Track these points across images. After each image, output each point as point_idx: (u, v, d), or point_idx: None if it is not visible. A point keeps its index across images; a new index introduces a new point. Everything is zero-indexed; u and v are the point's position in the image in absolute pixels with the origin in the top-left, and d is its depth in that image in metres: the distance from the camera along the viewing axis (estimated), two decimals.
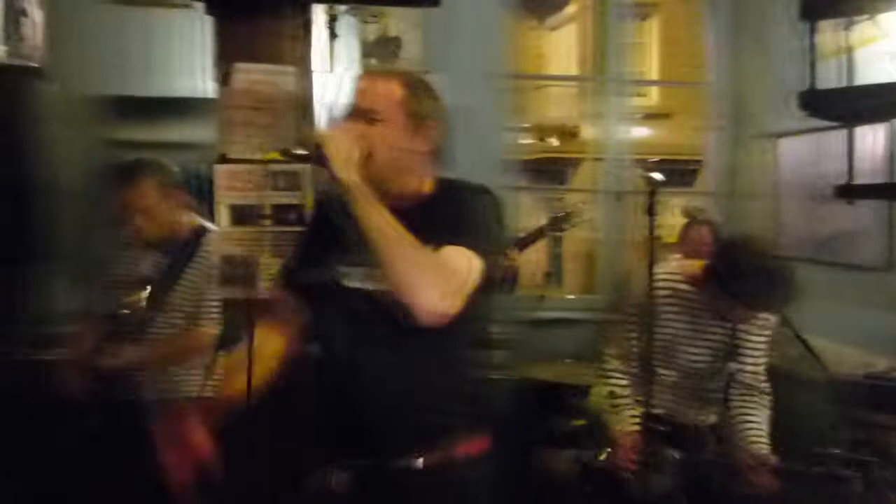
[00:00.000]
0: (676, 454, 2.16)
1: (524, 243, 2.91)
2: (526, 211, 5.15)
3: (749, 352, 2.31)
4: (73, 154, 3.52)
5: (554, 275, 10.70)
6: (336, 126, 1.48)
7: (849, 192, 3.00)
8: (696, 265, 2.31)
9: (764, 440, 2.23)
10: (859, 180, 3.01)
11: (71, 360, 2.52)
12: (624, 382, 2.36)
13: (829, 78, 2.03)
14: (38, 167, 1.62)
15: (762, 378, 2.34)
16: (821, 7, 2.70)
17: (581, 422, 2.84)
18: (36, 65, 2.60)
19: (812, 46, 2.00)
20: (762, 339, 2.32)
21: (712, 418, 2.39)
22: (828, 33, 2.84)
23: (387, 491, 1.54)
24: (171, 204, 2.46)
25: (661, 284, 2.26)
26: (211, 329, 2.36)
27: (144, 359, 2.40)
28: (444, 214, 1.48)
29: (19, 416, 2.76)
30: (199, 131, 3.10)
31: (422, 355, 1.53)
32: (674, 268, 2.38)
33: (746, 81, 3.94)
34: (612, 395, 2.38)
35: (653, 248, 1.45)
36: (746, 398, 2.31)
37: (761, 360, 2.34)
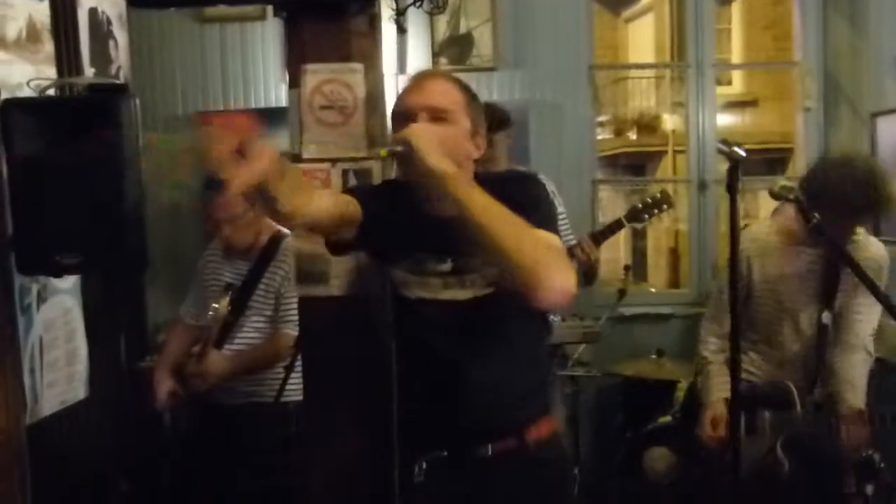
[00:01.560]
0: (771, 415, 2.14)
1: (601, 237, 2.81)
2: (608, 206, 5.04)
3: (856, 314, 2.25)
4: (161, 167, 3.68)
5: (638, 269, 10.42)
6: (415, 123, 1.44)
7: None
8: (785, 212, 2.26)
9: (861, 395, 2.18)
10: None
11: (164, 367, 2.62)
12: (715, 348, 2.35)
13: None
14: (129, 181, 1.68)
15: (866, 339, 2.27)
16: None
17: (667, 418, 2.75)
18: (122, 83, 2.72)
19: None
20: (869, 300, 2.20)
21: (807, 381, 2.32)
22: None
23: (466, 480, 1.54)
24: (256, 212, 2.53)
25: (753, 244, 2.25)
26: (291, 331, 2.40)
27: (233, 366, 2.46)
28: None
29: (121, 422, 2.88)
30: (278, 140, 3.18)
31: (505, 345, 1.52)
32: (762, 224, 2.32)
33: (839, 57, 3.73)
34: (704, 359, 2.37)
35: (735, 226, 1.37)
36: (847, 354, 2.25)
37: (868, 323, 2.26)
